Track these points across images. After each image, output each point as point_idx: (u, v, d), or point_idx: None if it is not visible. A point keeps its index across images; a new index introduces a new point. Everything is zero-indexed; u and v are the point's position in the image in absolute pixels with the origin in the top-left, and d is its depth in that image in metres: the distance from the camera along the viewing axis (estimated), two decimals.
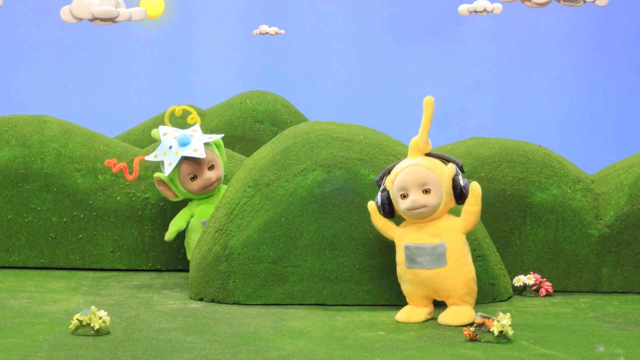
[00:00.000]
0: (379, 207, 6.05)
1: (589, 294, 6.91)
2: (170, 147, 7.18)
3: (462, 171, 6.05)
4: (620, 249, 6.91)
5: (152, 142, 9.51)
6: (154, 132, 7.39)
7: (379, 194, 6.04)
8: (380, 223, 6.11)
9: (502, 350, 5.23)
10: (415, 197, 5.89)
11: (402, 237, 6.00)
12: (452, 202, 6.00)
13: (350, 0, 13.62)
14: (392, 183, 5.98)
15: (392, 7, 13.49)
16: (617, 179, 7.11)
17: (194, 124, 7.53)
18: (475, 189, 5.93)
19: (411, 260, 5.94)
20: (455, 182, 5.93)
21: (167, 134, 7.28)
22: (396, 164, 6.05)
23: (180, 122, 10.56)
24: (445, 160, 6.03)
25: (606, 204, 7.00)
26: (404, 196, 5.92)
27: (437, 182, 5.90)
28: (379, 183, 6.10)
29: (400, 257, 6.01)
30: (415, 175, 5.91)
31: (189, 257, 7.27)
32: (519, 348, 5.29)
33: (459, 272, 5.91)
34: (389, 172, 6.06)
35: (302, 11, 13.56)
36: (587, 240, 6.94)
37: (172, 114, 7.70)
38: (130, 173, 7.32)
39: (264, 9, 13.39)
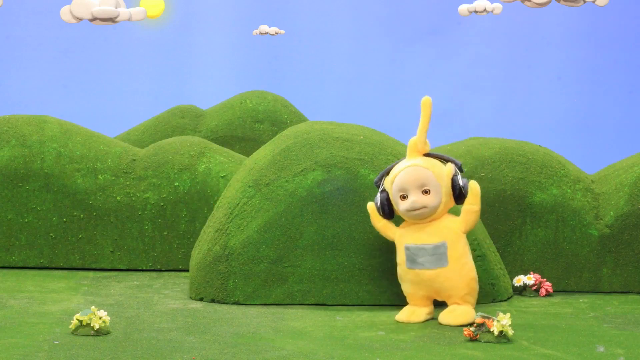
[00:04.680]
0: (378, 208, 6.05)
1: (589, 294, 6.91)
2: None
3: (461, 170, 6.05)
4: (620, 249, 6.92)
5: (151, 142, 9.52)
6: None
7: (378, 194, 6.04)
8: (380, 224, 6.10)
9: (502, 350, 5.23)
10: (415, 198, 5.89)
11: (402, 237, 6.00)
12: (452, 202, 6.00)
13: (350, 0, 13.64)
14: (392, 184, 5.97)
15: (392, 7, 13.50)
16: (617, 179, 7.12)
17: None
18: (474, 188, 5.93)
19: (412, 261, 5.94)
20: (454, 181, 5.92)
21: None
22: (395, 165, 6.05)
23: (181, 122, 10.59)
24: (444, 160, 6.03)
25: (606, 204, 7.01)
26: (404, 197, 5.92)
27: (436, 182, 5.89)
28: (377, 184, 6.10)
29: (401, 257, 6.01)
30: (414, 176, 5.91)
31: None
32: (519, 348, 5.29)
33: (460, 272, 5.90)
34: (387, 173, 6.06)
35: (302, 11, 13.58)
36: (587, 240, 6.94)
37: None
38: None
39: (264, 9, 13.40)
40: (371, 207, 6.10)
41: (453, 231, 5.93)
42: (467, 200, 5.94)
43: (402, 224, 6.06)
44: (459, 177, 5.95)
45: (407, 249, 5.94)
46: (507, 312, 5.74)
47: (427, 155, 6.03)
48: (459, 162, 6.03)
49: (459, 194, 5.93)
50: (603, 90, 13.12)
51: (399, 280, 6.10)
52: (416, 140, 6.02)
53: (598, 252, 6.93)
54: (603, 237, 6.92)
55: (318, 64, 13.52)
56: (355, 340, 5.45)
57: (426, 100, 5.98)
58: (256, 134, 10.22)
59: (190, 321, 5.88)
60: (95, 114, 12.46)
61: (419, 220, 5.95)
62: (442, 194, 5.91)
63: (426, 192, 5.89)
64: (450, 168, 5.95)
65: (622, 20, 13.00)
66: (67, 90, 13.14)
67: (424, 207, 5.89)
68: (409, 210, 5.91)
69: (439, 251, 5.87)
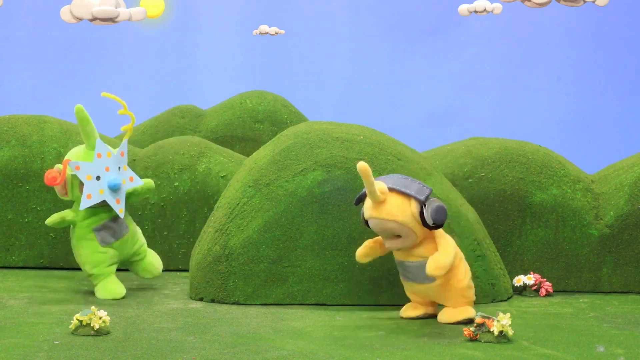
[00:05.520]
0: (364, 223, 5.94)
1: (589, 294, 6.91)
2: (98, 177, 6.48)
3: (429, 197, 5.72)
4: (620, 249, 6.92)
5: (151, 142, 9.51)
6: (78, 108, 6.63)
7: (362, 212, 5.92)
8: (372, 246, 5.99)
9: (502, 350, 5.23)
10: (389, 242, 5.81)
11: (395, 252, 5.96)
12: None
13: (350, 0, 13.64)
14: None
15: (392, 7, 13.50)
16: (617, 179, 7.12)
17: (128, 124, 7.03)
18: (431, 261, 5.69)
19: (404, 275, 5.97)
20: (421, 218, 5.71)
21: (101, 156, 6.53)
22: (365, 195, 5.84)
23: (181, 122, 10.59)
24: (407, 195, 5.73)
25: (606, 204, 7.01)
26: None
27: (404, 227, 5.73)
28: (357, 201, 5.96)
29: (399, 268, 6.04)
30: (381, 227, 5.78)
31: (80, 265, 6.73)
32: (519, 348, 5.29)
33: (447, 285, 5.86)
34: (363, 199, 5.89)
35: (302, 11, 13.58)
36: (587, 240, 6.94)
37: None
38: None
39: (264, 9, 13.40)
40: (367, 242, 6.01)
41: (435, 249, 5.82)
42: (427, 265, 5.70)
43: None
44: (425, 209, 5.68)
45: (398, 264, 5.98)
46: (507, 312, 5.74)
47: (392, 190, 5.73)
48: (426, 190, 5.73)
49: (433, 225, 5.73)
50: (603, 90, 13.12)
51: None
52: (371, 201, 5.73)
53: (598, 252, 6.93)
54: (603, 237, 6.92)
55: (318, 64, 13.52)
56: (355, 340, 5.45)
57: (362, 166, 5.56)
58: (256, 134, 10.21)
59: (190, 321, 5.88)
60: (95, 114, 12.46)
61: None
62: (414, 230, 5.74)
63: (398, 236, 5.79)
64: (414, 208, 5.71)
65: (622, 20, 13.01)
66: (67, 90, 13.14)
67: (400, 247, 5.83)
68: (388, 247, 5.87)
69: (423, 269, 5.81)
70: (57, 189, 6.62)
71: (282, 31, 12.99)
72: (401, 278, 6.02)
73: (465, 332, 5.46)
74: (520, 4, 9.06)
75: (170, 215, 7.64)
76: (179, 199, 7.64)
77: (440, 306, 6.08)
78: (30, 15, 13.07)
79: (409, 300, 6.18)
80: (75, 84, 13.21)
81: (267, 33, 12.92)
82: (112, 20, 9.11)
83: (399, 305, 6.20)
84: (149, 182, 6.86)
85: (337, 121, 7.09)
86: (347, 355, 5.12)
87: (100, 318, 5.41)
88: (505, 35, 13.17)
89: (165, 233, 7.63)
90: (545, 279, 6.85)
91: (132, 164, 7.83)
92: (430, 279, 5.81)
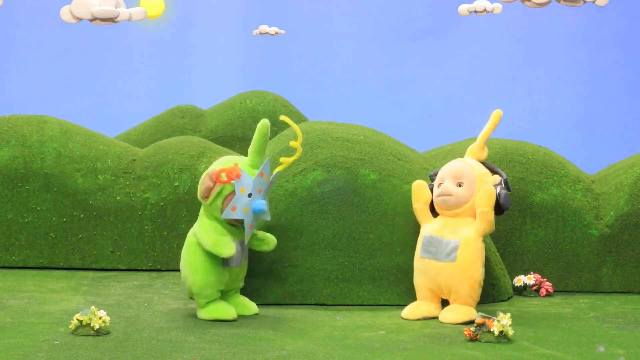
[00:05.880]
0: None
1: (589, 294, 6.91)
2: (250, 195, 5.89)
3: (507, 187, 6.16)
4: (621, 249, 6.91)
5: (151, 142, 9.52)
6: (264, 124, 5.97)
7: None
8: (418, 205, 6.27)
9: (502, 350, 5.23)
10: (447, 184, 6.10)
11: (427, 227, 6.17)
12: None
13: (350, 0, 13.64)
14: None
15: (392, 7, 13.50)
16: (617, 179, 7.12)
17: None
18: (485, 190, 6.01)
19: (426, 250, 6.07)
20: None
21: (262, 175, 5.95)
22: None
23: (181, 122, 10.60)
24: (494, 171, 6.25)
25: (606, 204, 7.00)
26: (440, 185, 6.17)
27: (473, 180, 6.09)
28: (432, 177, 6.37)
29: (418, 246, 6.16)
30: (455, 167, 6.17)
31: (187, 276, 6.06)
32: (519, 348, 5.29)
33: (464, 272, 5.94)
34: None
35: (302, 11, 13.58)
36: (587, 240, 6.94)
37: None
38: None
39: (264, 9, 13.41)
40: (416, 185, 6.29)
41: (470, 233, 5.99)
42: (477, 203, 6.03)
43: (436, 219, 6.17)
44: (500, 188, 6.10)
45: (425, 237, 6.11)
46: (508, 312, 5.74)
47: (482, 163, 6.29)
48: (505, 176, 6.23)
49: (495, 204, 6.07)
50: (603, 90, 13.12)
51: (414, 270, 6.15)
52: (473, 147, 6.33)
53: (598, 252, 6.93)
54: (603, 237, 6.92)
55: (318, 64, 13.53)
56: (355, 340, 5.44)
57: (498, 113, 6.32)
58: None
59: (190, 321, 5.88)
60: (95, 114, 12.47)
61: (446, 209, 6.11)
62: (475, 191, 6.08)
63: (459, 184, 6.11)
64: (494, 178, 6.17)
65: (622, 20, 13.01)
66: (67, 90, 13.15)
67: (450, 194, 6.08)
68: (437, 195, 6.14)
69: (450, 247, 5.96)
70: (202, 189, 5.99)
71: (282, 31, 13.01)
72: (420, 256, 6.10)
73: (465, 332, 5.46)
74: (520, 4, 9.07)
75: (170, 215, 7.64)
76: (179, 199, 7.63)
77: (442, 306, 6.08)
78: (30, 15, 13.08)
79: (409, 301, 6.18)
80: (75, 84, 13.21)
81: (267, 33, 12.93)
82: (112, 20, 9.11)
83: (399, 305, 6.20)
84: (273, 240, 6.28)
85: (337, 121, 7.09)
86: (347, 355, 5.12)
87: (100, 318, 5.41)
88: (505, 35, 13.18)
89: (165, 233, 7.63)
90: (545, 279, 6.85)
91: (132, 164, 7.83)
92: (452, 257, 5.98)
